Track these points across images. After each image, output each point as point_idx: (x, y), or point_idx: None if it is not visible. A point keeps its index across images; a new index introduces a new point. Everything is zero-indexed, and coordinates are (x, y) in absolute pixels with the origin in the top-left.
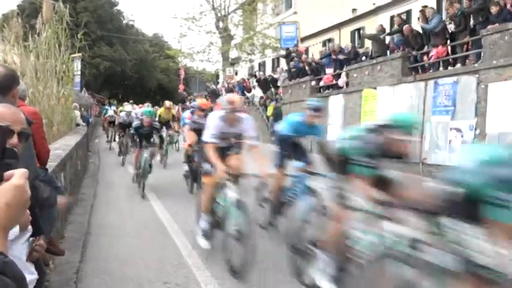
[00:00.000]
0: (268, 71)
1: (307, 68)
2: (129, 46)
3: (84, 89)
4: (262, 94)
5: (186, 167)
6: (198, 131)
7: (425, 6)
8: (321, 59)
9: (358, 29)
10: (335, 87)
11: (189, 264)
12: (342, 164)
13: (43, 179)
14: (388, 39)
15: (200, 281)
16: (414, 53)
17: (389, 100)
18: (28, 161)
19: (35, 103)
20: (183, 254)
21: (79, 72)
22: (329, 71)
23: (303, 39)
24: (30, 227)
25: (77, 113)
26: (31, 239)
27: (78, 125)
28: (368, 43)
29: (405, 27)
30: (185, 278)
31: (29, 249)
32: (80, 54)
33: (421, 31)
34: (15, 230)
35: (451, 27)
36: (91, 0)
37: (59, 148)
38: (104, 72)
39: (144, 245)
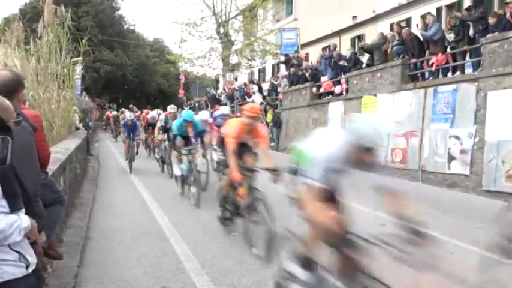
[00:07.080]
0: (268, 77)
1: (307, 74)
2: (129, 51)
3: (84, 92)
4: (261, 100)
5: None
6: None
7: (428, 13)
8: (319, 63)
9: (359, 36)
10: (335, 93)
11: (187, 269)
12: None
13: (43, 182)
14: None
15: (198, 286)
16: (414, 60)
17: (388, 107)
18: (31, 163)
19: (35, 107)
20: (181, 259)
21: (79, 76)
22: (325, 78)
23: (303, 46)
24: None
25: (76, 116)
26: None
27: (77, 128)
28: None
29: (404, 30)
30: (183, 284)
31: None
32: (81, 58)
33: (420, 38)
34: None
35: (450, 36)
36: (92, 5)
37: (59, 152)
38: (104, 76)
39: (143, 250)
